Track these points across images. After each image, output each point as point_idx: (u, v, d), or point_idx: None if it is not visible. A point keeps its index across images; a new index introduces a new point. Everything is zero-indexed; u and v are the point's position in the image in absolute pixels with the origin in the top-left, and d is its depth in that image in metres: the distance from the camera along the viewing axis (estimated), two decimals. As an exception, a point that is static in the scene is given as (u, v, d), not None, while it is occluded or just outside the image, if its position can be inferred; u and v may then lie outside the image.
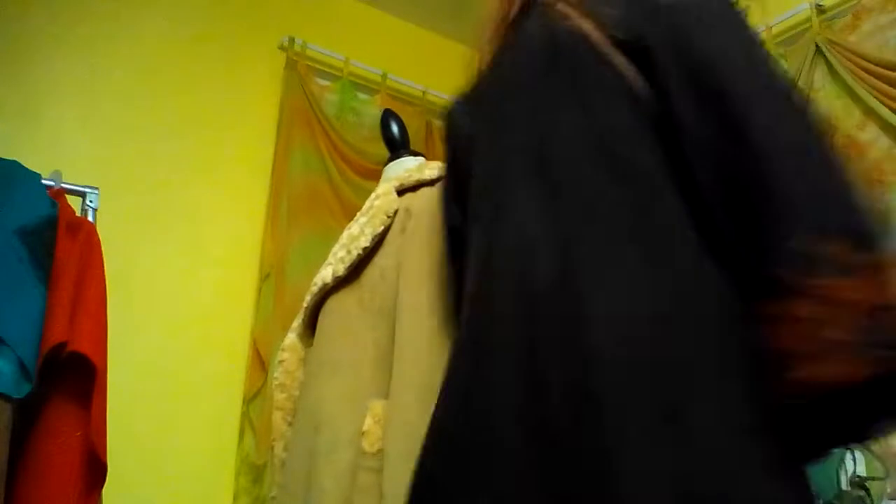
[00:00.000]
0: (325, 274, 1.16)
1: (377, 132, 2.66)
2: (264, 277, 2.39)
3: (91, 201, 1.84)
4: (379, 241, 1.13)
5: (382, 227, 1.12)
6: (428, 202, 1.12)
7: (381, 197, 1.17)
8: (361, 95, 2.76)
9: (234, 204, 2.45)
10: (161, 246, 2.27)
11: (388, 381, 1.05)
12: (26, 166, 1.70)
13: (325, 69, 2.71)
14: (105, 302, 1.65)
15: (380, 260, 1.12)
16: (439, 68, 3.00)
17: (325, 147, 2.58)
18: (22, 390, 1.44)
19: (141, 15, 2.39)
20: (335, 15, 2.83)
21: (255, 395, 2.30)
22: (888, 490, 1.87)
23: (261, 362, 2.32)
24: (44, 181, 1.71)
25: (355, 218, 1.22)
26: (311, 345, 1.20)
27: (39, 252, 1.57)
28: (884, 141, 2.20)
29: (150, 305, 2.19)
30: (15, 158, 1.70)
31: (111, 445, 1.58)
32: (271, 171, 2.51)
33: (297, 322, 1.27)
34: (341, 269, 1.13)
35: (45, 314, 1.52)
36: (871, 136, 2.22)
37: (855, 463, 1.87)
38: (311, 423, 1.10)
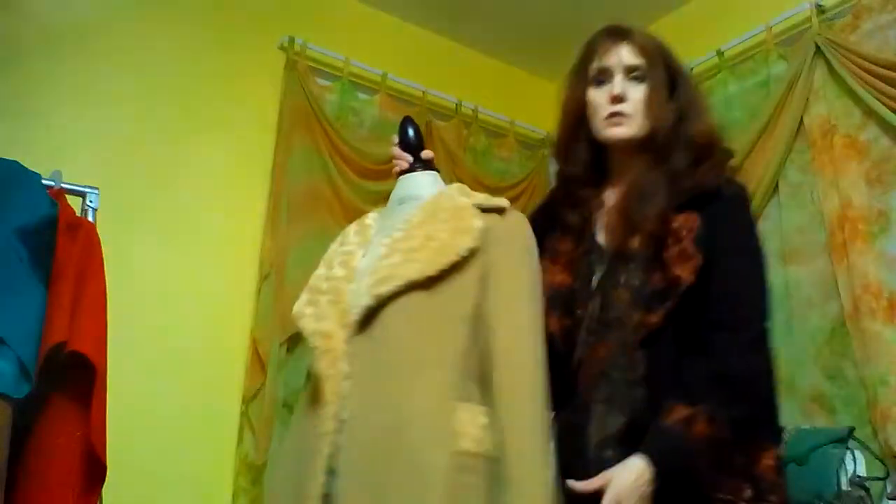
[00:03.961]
0: (409, 270, 1.15)
1: (377, 132, 2.69)
2: (264, 277, 2.39)
3: (91, 201, 1.83)
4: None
5: (474, 243, 1.17)
6: (504, 226, 1.21)
7: (464, 210, 1.21)
8: (361, 95, 2.76)
9: (235, 203, 2.45)
10: (161, 246, 2.27)
11: (473, 385, 1.14)
12: (26, 166, 1.70)
13: (325, 69, 2.71)
14: (105, 302, 1.65)
15: (463, 270, 1.16)
16: (439, 68, 3.01)
17: (325, 147, 2.58)
18: (22, 390, 1.43)
19: (141, 16, 2.39)
20: (335, 15, 2.83)
21: (255, 396, 2.30)
22: (888, 490, 1.87)
23: (260, 362, 2.32)
24: (44, 181, 1.71)
25: (421, 220, 1.21)
26: (360, 335, 1.18)
27: (39, 252, 1.57)
28: (884, 141, 2.19)
29: (150, 305, 2.19)
30: (15, 158, 1.70)
31: (111, 445, 1.58)
32: (271, 171, 2.51)
33: (350, 317, 1.21)
34: (431, 270, 1.14)
35: (45, 314, 1.52)
36: (871, 136, 2.22)
37: (855, 463, 1.87)
38: (391, 422, 1.09)
